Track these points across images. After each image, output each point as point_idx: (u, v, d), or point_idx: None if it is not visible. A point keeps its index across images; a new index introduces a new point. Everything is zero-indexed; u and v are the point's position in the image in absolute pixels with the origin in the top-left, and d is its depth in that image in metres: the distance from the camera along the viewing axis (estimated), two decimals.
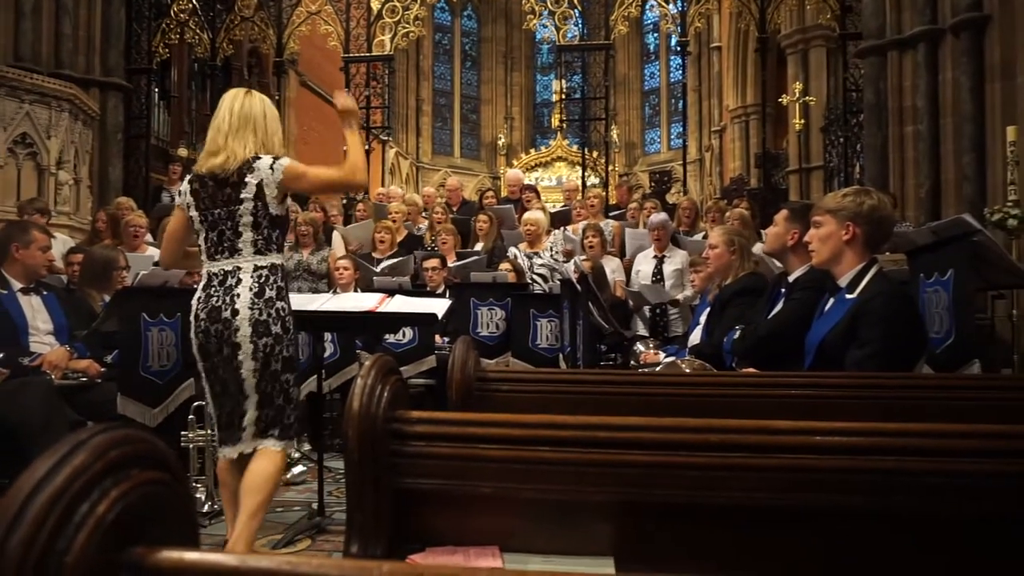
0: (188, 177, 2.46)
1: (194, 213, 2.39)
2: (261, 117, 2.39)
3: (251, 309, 2.28)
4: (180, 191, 2.47)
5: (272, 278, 2.34)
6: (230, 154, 2.32)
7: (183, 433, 3.18)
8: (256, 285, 2.30)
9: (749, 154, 12.13)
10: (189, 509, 0.69)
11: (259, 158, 2.34)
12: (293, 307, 2.94)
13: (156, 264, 4.29)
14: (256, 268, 2.32)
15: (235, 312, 2.27)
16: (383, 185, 11.27)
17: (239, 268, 2.32)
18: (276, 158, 2.35)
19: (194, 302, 2.36)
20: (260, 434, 2.32)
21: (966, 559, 1.01)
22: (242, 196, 2.32)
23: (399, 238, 5.96)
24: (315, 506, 3.09)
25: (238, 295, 2.29)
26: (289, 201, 2.52)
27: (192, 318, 2.35)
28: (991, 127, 5.33)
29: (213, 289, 2.32)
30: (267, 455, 2.31)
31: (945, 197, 5.86)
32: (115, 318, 3.32)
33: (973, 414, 1.57)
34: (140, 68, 8.22)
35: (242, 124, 2.36)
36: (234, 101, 2.40)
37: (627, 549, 1.08)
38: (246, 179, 2.32)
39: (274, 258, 2.37)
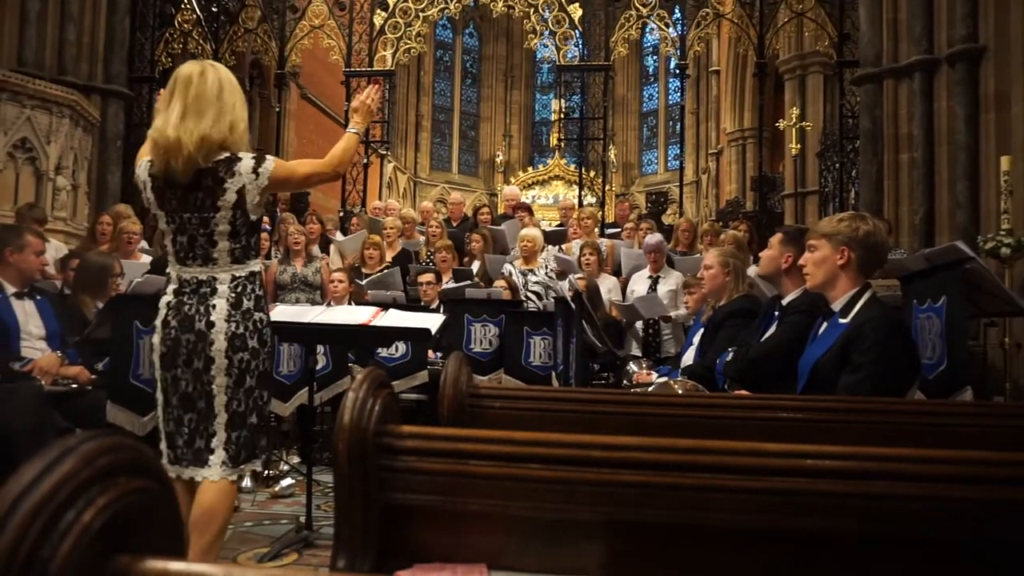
0: (146, 166, 2.13)
1: (158, 212, 2.15)
2: (215, 97, 2.09)
3: (228, 322, 2.08)
4: (137, 176, 2.17)
5: (250, 287, 2.14)
6: (194, 155, 2.03)
7: None
8: (233, 296, 2.11)
9: (745, 177, 12.21)
10: (176, 519, 0.68)
11: (239, 159, 2.09)
12: (286, 319, 2.91)
13: (150, 272, 4.29)
14: (234, 278, 2.12)
15: (210, 324, 2.07)
16: (380, 199, 11.30)
17: (215, 279, 2.11)
18: (259, 160, 2.11)
19: (162, 306, 2.14)
20: (231, 461, 2.10)
21: None
22: (219, 203, 2.08)
23: (391, 253, 5.92)
24: (303, 520, 3.07)
25: (214, 306, 2.09)
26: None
27: (159, 323, 2.13)
28: (985, 156, 5.38)
29: (186, 296, 2.11)
30: (218, 487, 2.09)
31: (939, 224, 5.90)
32: (108, 325, 3.31)
33: (965, 441, 1.57)
34: (142, 77, 8.23)
35: (198, 113, 2.05)
36: (188, 87, 2.07)
37: (616, 569, 1.07)
38: (224, 184, 2.07)
39: (252, 265, 2.17)
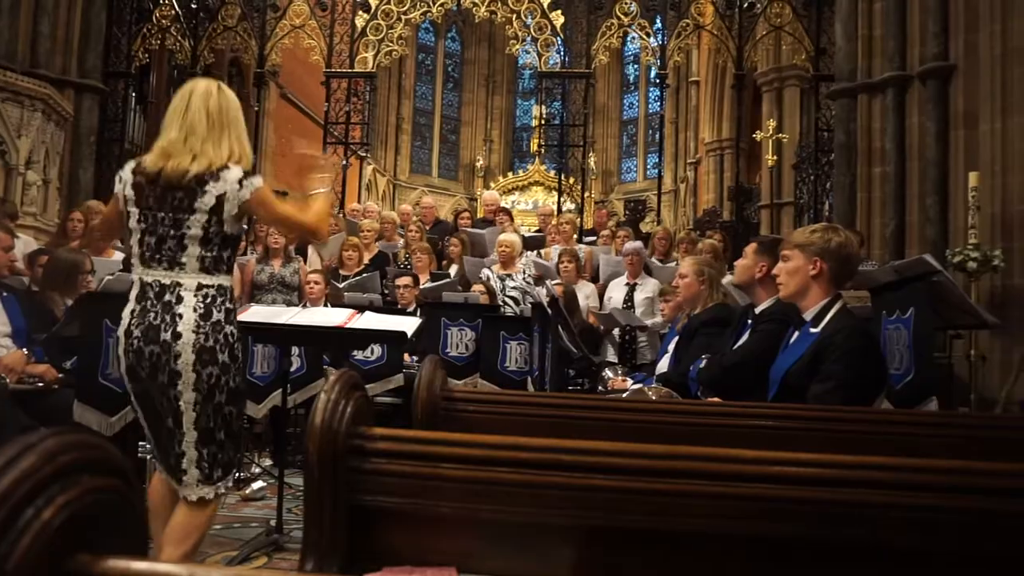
0: (132, 166, 2.15)
1: (132, 209, 2.09)
2: (235, 117, 2.15)
3: (196, 333, 1.99)
4: (120, 178, 2.16)
5: (220, 299, 2.06)
6: (209, 160, 2.05)
7: (140, 443, 3.10)
8: (201, 306, 2.02)
9: (723, 187, 12.34)
10: (140, 519, 0.67)
11: (228, 168, 2.07)
12: (260, 319, 2.88)
13: (122, 269, 4.22)
14: (200, 286, 2.04)
15: (176, 335, 1.98)
16: (359, 201, 11.25)
17: (179, 284, 2.03)
18: (247, 174, 2.09)
19: (126, 314, 2.05)
20: (206, 480, 2.04)
21: None
22: (196, 206, 2.03)
23: (369, 255, 5.89)
24: (273, 523, 3.03)
25: (180, 315, 2.00)
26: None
27: (122, 333, 2.04)
28: (954, 172, 5.50)
29: (149, 303, 2.02)
30: (197, 504, 2.04)
31: (909, 237, 6.02)
32: (77, 323, 3.25)
33: (930, 449, 1.60)
34: (118, 72, 8.11)
35: (220, 127, 2.10)
36: (207, 98, 2.12)
37: (586, 574, 1.07)
38: (206, 187, 2.03)
39: (222, 279, 2.09)
